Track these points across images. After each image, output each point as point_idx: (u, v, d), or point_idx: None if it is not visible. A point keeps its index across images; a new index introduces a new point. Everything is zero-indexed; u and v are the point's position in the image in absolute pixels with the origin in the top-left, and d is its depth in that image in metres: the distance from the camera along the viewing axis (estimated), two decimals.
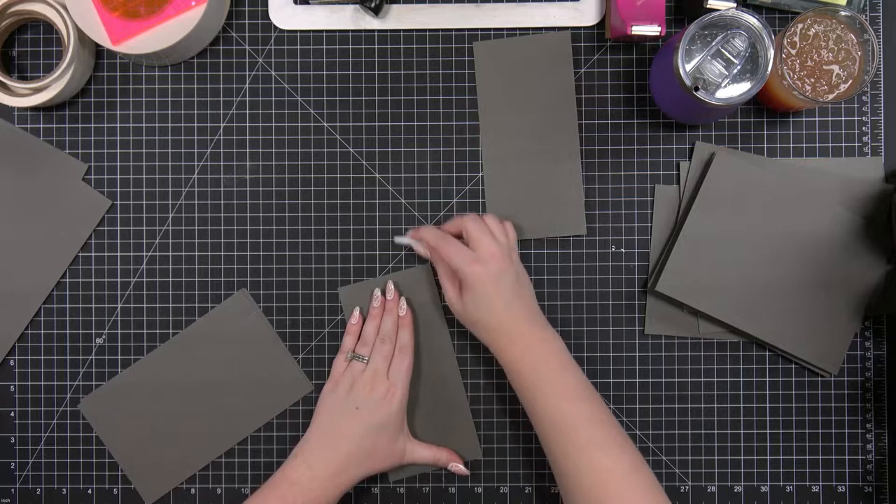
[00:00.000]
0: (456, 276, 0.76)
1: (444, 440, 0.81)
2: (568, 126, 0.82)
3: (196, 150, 0.83)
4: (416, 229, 0.79)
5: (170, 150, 0.83)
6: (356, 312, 0.81)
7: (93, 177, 0.83)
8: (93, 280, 0.83)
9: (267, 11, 0.82)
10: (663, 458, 0.82)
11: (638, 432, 0.82)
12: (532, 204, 0.82)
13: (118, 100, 0.83)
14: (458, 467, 0.80)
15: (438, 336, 0.82)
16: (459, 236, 0.77)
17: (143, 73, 0.83)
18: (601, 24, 0.82)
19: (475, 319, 0.74)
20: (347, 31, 0.83)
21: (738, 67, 0.72)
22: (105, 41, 0.78)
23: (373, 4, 0.80)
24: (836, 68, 0.74)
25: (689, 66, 0.72)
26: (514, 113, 0.81)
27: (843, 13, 0.74)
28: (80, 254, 0.83)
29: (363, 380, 0.77)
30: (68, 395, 0.83)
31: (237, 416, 0.82)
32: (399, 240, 0.81)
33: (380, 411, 0.76)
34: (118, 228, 0.83)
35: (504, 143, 0.82)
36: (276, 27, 0.82)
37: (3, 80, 0.80)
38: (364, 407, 0.76)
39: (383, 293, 0.81)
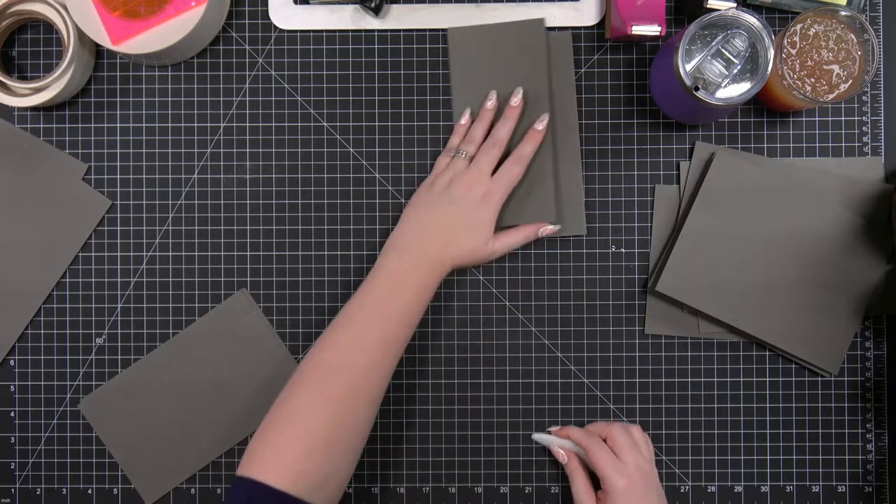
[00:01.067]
0: (592, 489, 0.75)
1: (520, 200, 0.79)
2: (568, 126, 0.81)
3: (196, 150, 0.83)
4: (562, 428, 0.79)
5: (170, 150, 0.83)
6: (467, 114, 0.80)
7: (93, 177, 0.83)
8: (93, 280, 0.83)
9: (267, 11, 0.82)
10: (663, 458, 0.82)
11: None
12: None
13: (118, 100, 0.83)
14: (548, 229, 0.79)
15: (540, 83, 0.80)
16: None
17: (143, 73, 0.83)
18: (601, 24, 0.82)
19: None
20: (347, 31, 0.83)
21: (738, 67, 0.72)
22: (105, 41, 0.78)
23: (373, 4, 0.80)
24: (836, 68, 0.74)
25: (689, 66, 0.72)
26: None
27: (843, 13, 0.74)
28: (80, 254, 0.83)
29: (463, 177, 0.76)
30: (68, 395, 0.83)
31: (237, 416, 0.82)
32: (538, 437, 0.80)
33: (476, 212, 0.75)
34: (118, 228, 0.83)
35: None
36: (276, 27, 0.82)
37: (3, 80, 0.80)
38: (460, 203, 0.75)
39: (503, 95, 0.80)
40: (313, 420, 0.67)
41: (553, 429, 0.80)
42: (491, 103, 0.79)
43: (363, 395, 0.70)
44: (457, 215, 0.74)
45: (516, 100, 0.79)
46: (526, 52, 0.81)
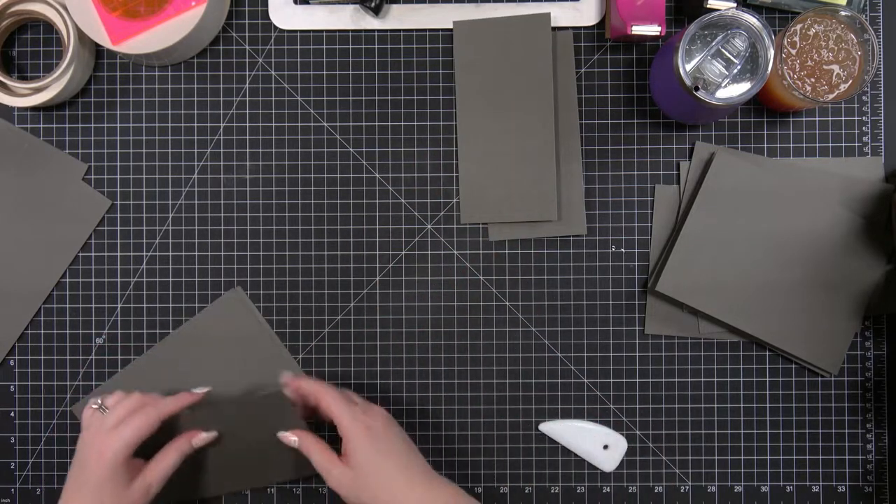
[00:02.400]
0: (333, 454, 0.70)
1: (523, 206, 0.79)
2: (569, 126, 0.82)
3: (196, 150, 0.83)
4: (294, 377, 0.74)
5: (170, 150, 0.83)
6: (197, 391, 0.77)
7: (93, 177, 0.83)
8: (93, 280, 0.83)
9: (267, 11, 0.82)
10: (663, 458, 0.82)
11: (638, 432, 0.82)
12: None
13: (118, 100, 0.83)
14: (200, 438, 0.74)
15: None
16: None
17: (143, 73, 0.83)
18: (601, 24, 0.82)
19: (373, 493, 0.68)
20: (347, 31, 0.83)
21: (738, 67, 0.72)
22: (105, 41, 0.78)
23: (373, 4, 0.80)
24: (836, 68, 0.74)
25: (689, 66, 0.72)
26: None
27: (843, 13, 0.74)
28: (80, 254, 0.83)
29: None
30: (68, 395, 0.83)
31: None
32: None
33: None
34: (118, 228, 0.83)
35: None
36: (276, 27, 0.82)
37: (3, 80, 0.80)
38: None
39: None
40: None
41: (285, 376, 0.75)
42: (192, 394, 0.76)
43: None
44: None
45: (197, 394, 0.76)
46: (531, 47, 0.81)
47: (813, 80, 0.74)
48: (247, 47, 0.83)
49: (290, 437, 0.73)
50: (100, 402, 0.73)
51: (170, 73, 0.83)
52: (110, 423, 0.71)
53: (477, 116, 0.81)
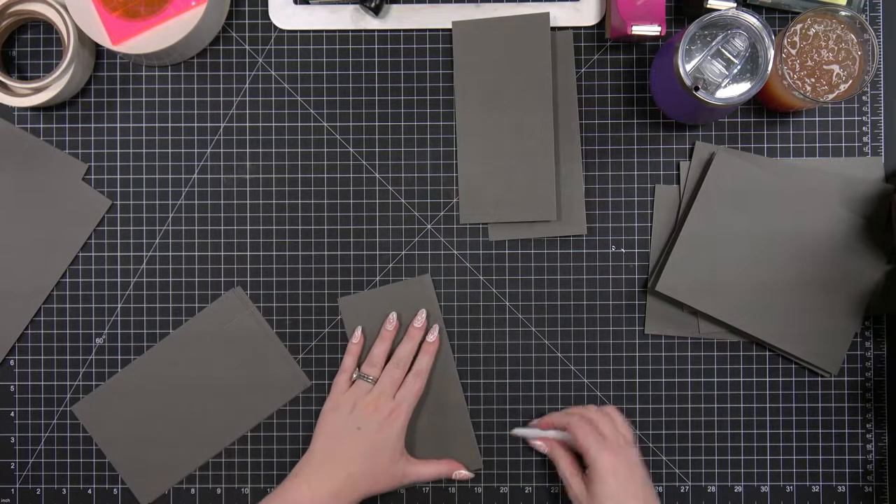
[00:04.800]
0: (578, 468, 0.75)
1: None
2: (569, 126, 0.82)
3: (196, 150, 0.83)
4: (543, 418, 0.79)
5: (170, 150, 0.83)
6: (358, 332, 0.81)
7: (93, 177, 0.83)
8: (93, 280, 0.83)
9: (267, 11, 0.82)
10: (663, 458, 0.82)
11: (638, 432, 0.82)
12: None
13: (118, 100, 0.83)
14: (462, 473, 0.80)
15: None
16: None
17: (143, 73, 0.83)
18: (601, 24, 0.82)
19: None
20: (347, 31, 0.83)
21: (738, 67, 0.72)
22: (105, 41, 0.78)
23: (373, 4, 0.80)
24: (836, 68, 0.74)
25: (689, 66, 0.72)
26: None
27: (843, 13, 0.74)
28: (80, 254, 0.83)
29: (366, 400, 0.77)
30: (68, 396, 0.83)
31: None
32: (518, 431, 0.80)
33: (382, 432, 0.76)
34: (118, 228, 0.83)
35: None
36: (276, 27, 0.82)
37: (3, 80, 0.80)
38: (366, 427, 0.76)
39: (403, 317, 0.81)
40: None
41: (534, 421, 0.80)
42: (392, 325, 0.80)
43: None
44: (363, 441, 0.75)
45: (419, 322, 0.80)
46: (531, 47, 0.81)
47: (813, 80, 0.74)
48: (247, 47, 0.83)
49: (541, 445, 0.78)
50: (359, 372, 0.79)
51: (170, 73, 0.83)
52: (387, 389, 0.77)
53: (476, 116, 0.81)
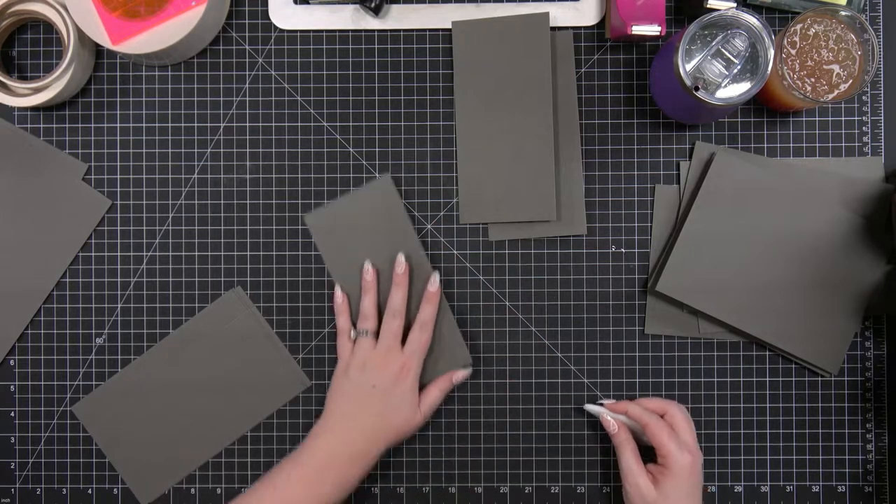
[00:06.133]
0: (642, 462, 0.75)
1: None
2: (569, 126, 0.81)
3: (196, 150, 0.83)
4: (617, 403, 0.79)
5: (170, 150, 0.83)
6: (338, 290, 0.80)
7: (93, 177, 0.83)
8: (93, 280, 0.83)
9: (267, 11, 0.82)
10: None
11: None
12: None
13: (118, 100, 0.83)
14: (459, 377, 0.80)
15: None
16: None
17: (143, 73, 0.83)
18: (601, 24, 0.82)
19: None
20: (347, 31, 0.83)
21: (738, 67, 0.72)
22: (105, 41, 0.78)
23: (373, 4, 0.80)
24: (836, 68, 0.74)
25: (689, 66, 0.72)
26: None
27: (843, 13, 0.74)
28: (80, 254, 0.83)
29: (376, 359, 0.77)
30: (68, 396, 0.83)
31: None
32: (590, 408, 0.80)
33: (397, 387, 0.76)
34: (118, 228, 0.83)
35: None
36: (276, 27, 0.82)
37: (3, 80, 0.80)
38: (380, 384, 0.76)
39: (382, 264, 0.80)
40: None
41: (607, 402, 0.80)
42: (370, 275, 0.80)
43: None
44: (380, 399, 0.76)
45: (401, 266, 0.79)
46: (530, 47, 0.81)
47: (813, 80, 0.74)
48: (247, 47, 0.83)
49: (612, 423, 0.77)
50: (356, 329, 0.79)
51: (170, 73, 0.83)
52: (392, 343, 0.77)
53: (476, 116, 0.81)
